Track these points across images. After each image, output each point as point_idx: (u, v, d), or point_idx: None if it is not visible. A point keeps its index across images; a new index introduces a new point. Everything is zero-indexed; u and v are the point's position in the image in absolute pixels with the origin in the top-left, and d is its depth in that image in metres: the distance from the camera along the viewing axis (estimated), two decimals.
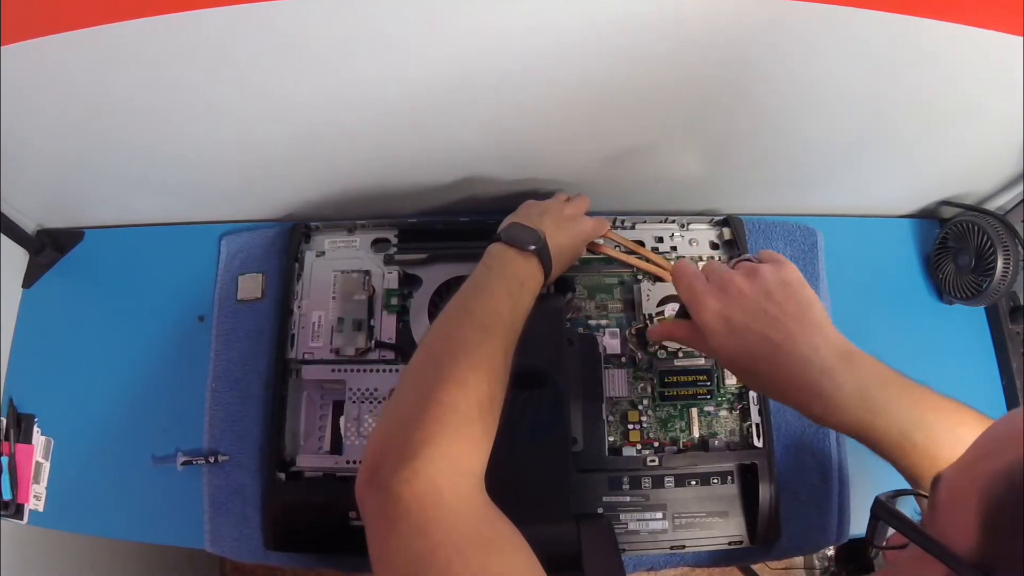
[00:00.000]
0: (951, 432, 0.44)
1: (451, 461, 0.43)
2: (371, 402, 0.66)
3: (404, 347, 0.69)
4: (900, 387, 0.46)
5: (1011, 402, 0.73)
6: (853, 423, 0.46)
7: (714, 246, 0.74)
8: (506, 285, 0.55)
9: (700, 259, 0.73)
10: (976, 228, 0.71)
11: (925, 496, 0.34)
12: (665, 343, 0.68)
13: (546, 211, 0.64)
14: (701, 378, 0.68)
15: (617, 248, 0.71)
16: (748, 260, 0.53)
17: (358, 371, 0.67)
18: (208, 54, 0.51)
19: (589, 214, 0.68)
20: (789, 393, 0.48)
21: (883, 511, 0.35)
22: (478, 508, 0.43)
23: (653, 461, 0.64)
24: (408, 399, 0.48)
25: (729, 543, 0.64)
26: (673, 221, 0.74)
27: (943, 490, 0.32)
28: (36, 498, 0.68)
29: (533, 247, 0.58)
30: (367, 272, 0.71)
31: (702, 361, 0.68)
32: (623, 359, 0.69)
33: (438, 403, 0.45)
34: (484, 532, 0.42)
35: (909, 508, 0.37)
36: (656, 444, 0.66)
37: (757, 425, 0.66)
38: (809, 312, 0.48)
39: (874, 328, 0.64)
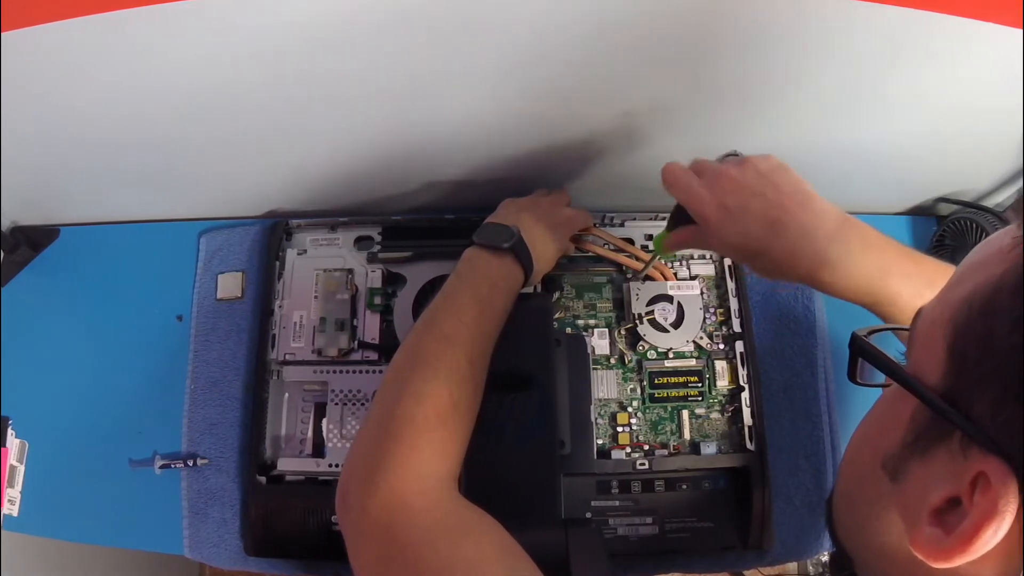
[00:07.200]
0: None
1: (412, 469, 0.45)
2: (354, 404, 0.65)
3: (388, 347, 0.67)
4: (900, 252, 0.49)
5: None
6: (864, 287, 0.47)
7: None
8: (473, 291, 0.55)
9: (691, 257, 0.71)
10: (974, 225, 0.70)
11: (905, 330, 0.34)
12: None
13: (523, 207, 0.63)
14: (692, 379, 0.66)
15: (605, 246, 0.70)
16: (735, 155, 0.53)
17: (341, 372, 0.66)
18: (189, 46, 0.49)
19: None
20: (798, 264, 0.48)
21: (859, 345, 0.35)
22: (442, 504, 0.45)
23: (643, 464, 0.62)
24: (372, 419, 0.49)
25: (721, 549, 0.64)
26: (663, 218, 0.72)
27: (920, 323, 0.32)
28: (10, 502, 0.67)
29: (506, 245, 0.57)
30: (350, 271, 0.70)
31: (693, 362, 0.67)
32: (612, 360, 0.68)
33: (394, 418, 0.47)
34: (450, 522, 0.43)
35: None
36: (646, 447, 0.65)
37: (750, 427, 0.64)
38: (802, 186, 0.49)
39: None
